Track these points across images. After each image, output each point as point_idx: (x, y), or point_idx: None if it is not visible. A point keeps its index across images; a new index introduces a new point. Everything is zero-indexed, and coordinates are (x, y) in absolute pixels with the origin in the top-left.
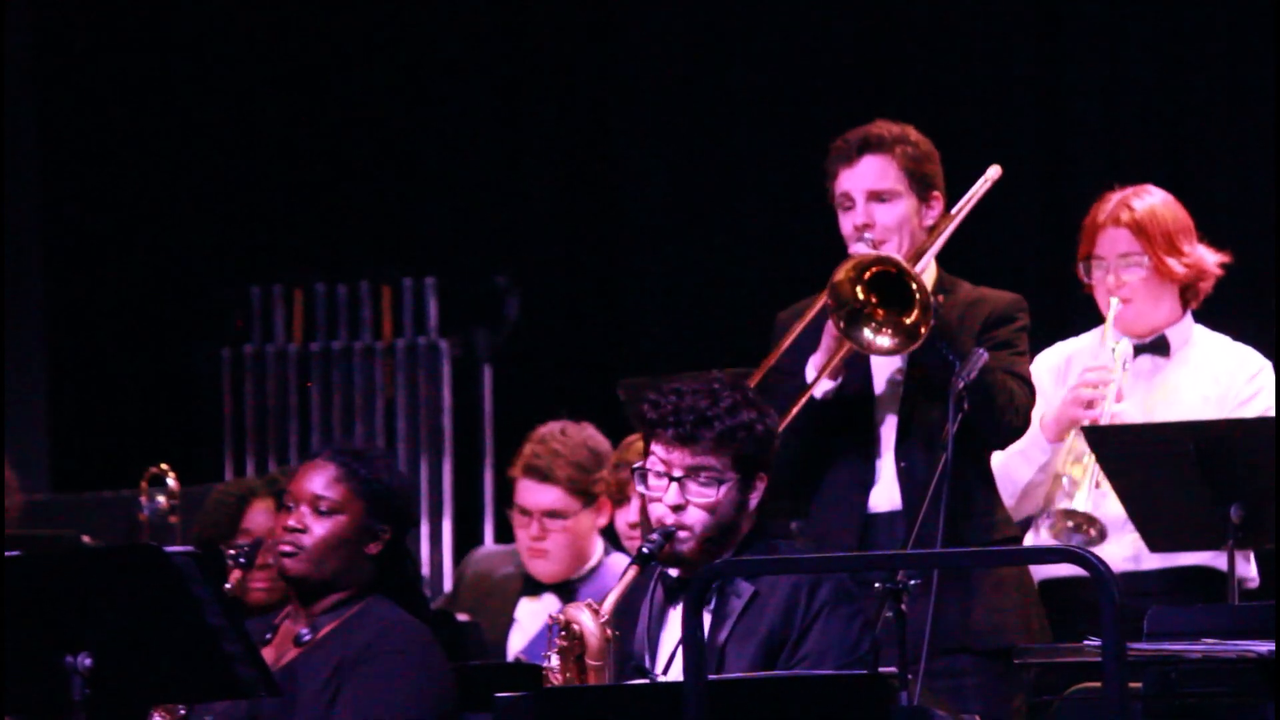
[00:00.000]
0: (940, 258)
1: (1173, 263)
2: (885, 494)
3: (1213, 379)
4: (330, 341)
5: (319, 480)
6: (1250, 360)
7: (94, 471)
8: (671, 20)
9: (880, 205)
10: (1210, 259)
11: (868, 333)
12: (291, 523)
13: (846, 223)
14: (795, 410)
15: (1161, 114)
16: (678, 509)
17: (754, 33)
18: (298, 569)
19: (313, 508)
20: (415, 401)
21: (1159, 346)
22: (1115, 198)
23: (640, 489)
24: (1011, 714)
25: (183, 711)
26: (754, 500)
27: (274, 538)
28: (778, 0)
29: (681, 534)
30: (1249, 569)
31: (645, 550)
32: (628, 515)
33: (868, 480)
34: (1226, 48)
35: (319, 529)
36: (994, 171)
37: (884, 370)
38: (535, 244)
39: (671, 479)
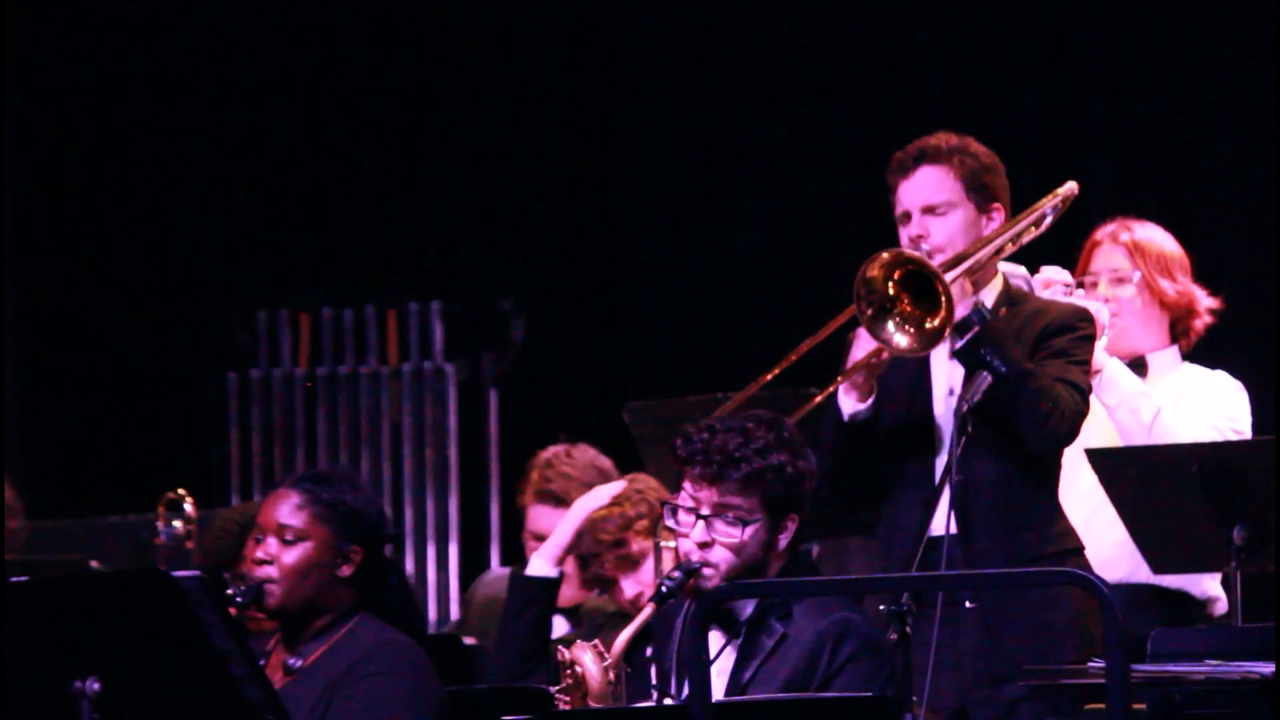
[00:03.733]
0: None
1: (1164, 284)
2: (943, 514)
3: (1178, 398)
4: (337, 366)
5: (283, 509)
6: (1215, 379)
7: (103, 496)
8: (674, 50)
9: (935, 217)
10: (1203, 298)
11: (890, 326)
12: (260, 554)
13: (904, 234)
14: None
15: (1169, 150)
16: (704, 546)
17: (757, 62)
18: (276, 600)
19: (279, 538)
20: (422, 425)
21: (1137, 367)
22: (1116, 221)
23: (669, 523)
24: None
25: None
26: (784, 541)
27: (247, 570)
28: (782, 29)
29: (706, 571)
30: (1217, 588)
31: (664, 589)
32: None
33: (926, 499)
34: (1234, 82)
35: (287, 558)
36: (1069, 187)
37: (941, 395)
38: (539, 268)
39: (699, 516)
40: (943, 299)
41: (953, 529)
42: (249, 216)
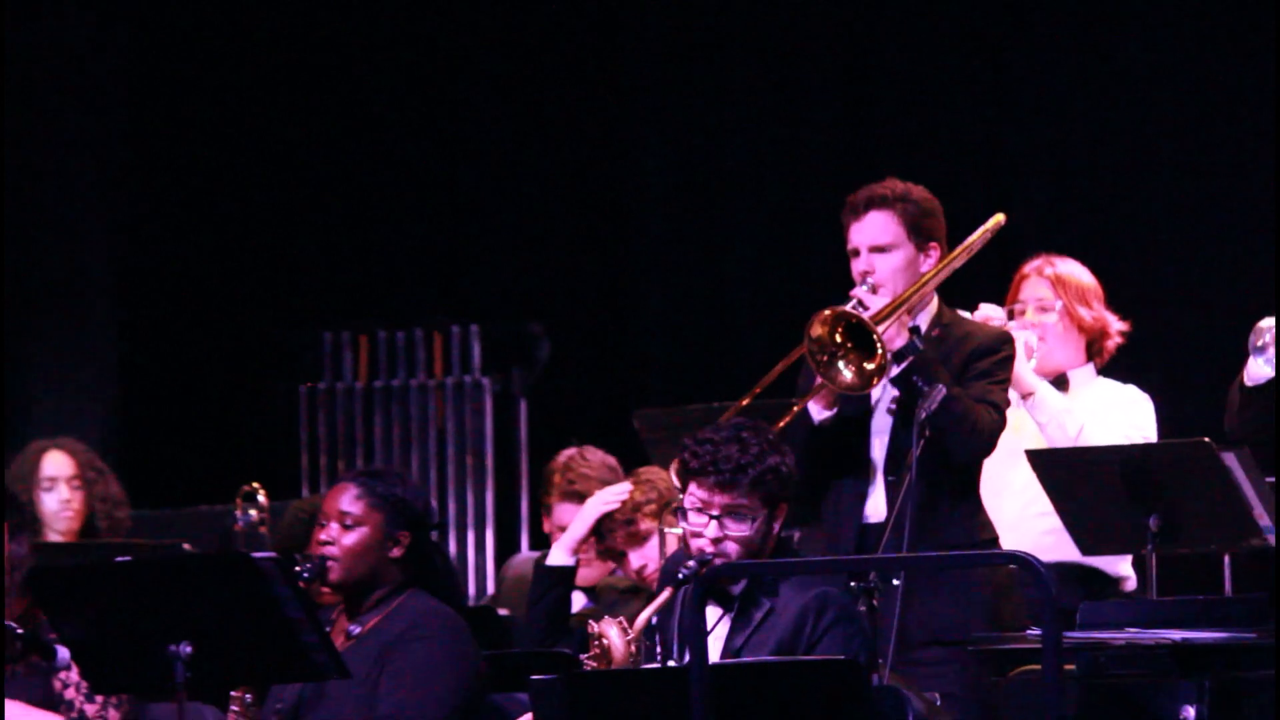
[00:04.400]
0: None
1: (1083, 312)
2: (877, 506)
3: (1095, 410)
4: (391, 380)
5: (343, 499)
6: (1126, 393)
7: (193, 489)
8: (679, 98)
9: (881, 255)
10: (1114, 322)
11: (840, 364)
12: (323, 537)
13: (855, 267)
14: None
15: (1089, 192)
16: (716, 541)
17: (755, 109)
18: (337, 575)
19: (340, 523)
20: (462, 430)
21: (1059, 383)
22: (1041, 257)
23: (682, 524)
24: (980, 692)
25: (249, 698)
26: (777, 526)
27: (312, 550)
28: (776, 81)
29: (719, 561)
30: (1128, 568)
31: (682, 575)
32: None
33: (864, 494)
34: (1149, 134)
35: (346, 540)
36: (997, 219)
37: (880, 410)
38: (562, 297)
39: (711, 517)
40: (879, 347)
41: (906, 519)
42: (317, 253)
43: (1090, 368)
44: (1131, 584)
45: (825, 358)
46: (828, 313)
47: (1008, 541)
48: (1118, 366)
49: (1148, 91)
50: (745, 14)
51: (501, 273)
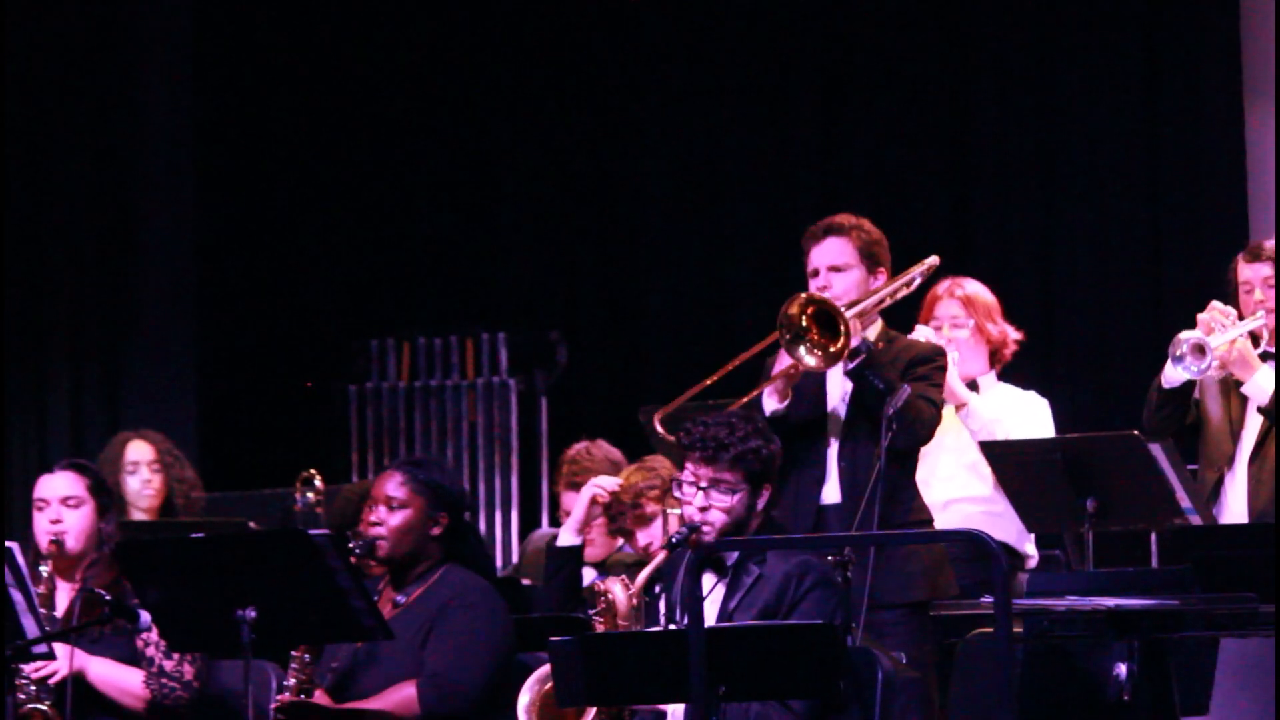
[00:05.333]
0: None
1: (990, 328)
2: (832, 489)
3: (999, 410)
4: (429, 380)
5: (390, 484)
6: (1028, 397)
7: (258, 474)
8: (681, 128)
9: (837, 274)
10: (1012, 333)
11: (802, 350)
12: (373, 518)
13: (813, 285)
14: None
15: (1033, 241)
16: (703, 509)
17: (750, 131)
18: (385, 551)
19: (387, 505)
20: (491, 425)
21: (971, 387)
22: (949, 280)
23: (676, 494)
24: (923, 652)
25: (308, 658)
26: (761, 504)
27: (363, 529)
28: (770, 105)
29: (705, 528)
30: (1032, 549)
31: (674, 540)
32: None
33: (820, 477)
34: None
35: (393, 520)
36: (932, 260)
37: (834, 395)
38: (579, 309)
39: (699, 488)
40: (843, 331)
41: (876, 500)
42: (366, 272)
43: (992, 374)
44: (1034, 561)
45: (789, 336)
46: (804, 296)
47: (939, 521)
48: (1015, 371)
49: (1088, 129)
50: (745, 39)
51: (525, 287)
